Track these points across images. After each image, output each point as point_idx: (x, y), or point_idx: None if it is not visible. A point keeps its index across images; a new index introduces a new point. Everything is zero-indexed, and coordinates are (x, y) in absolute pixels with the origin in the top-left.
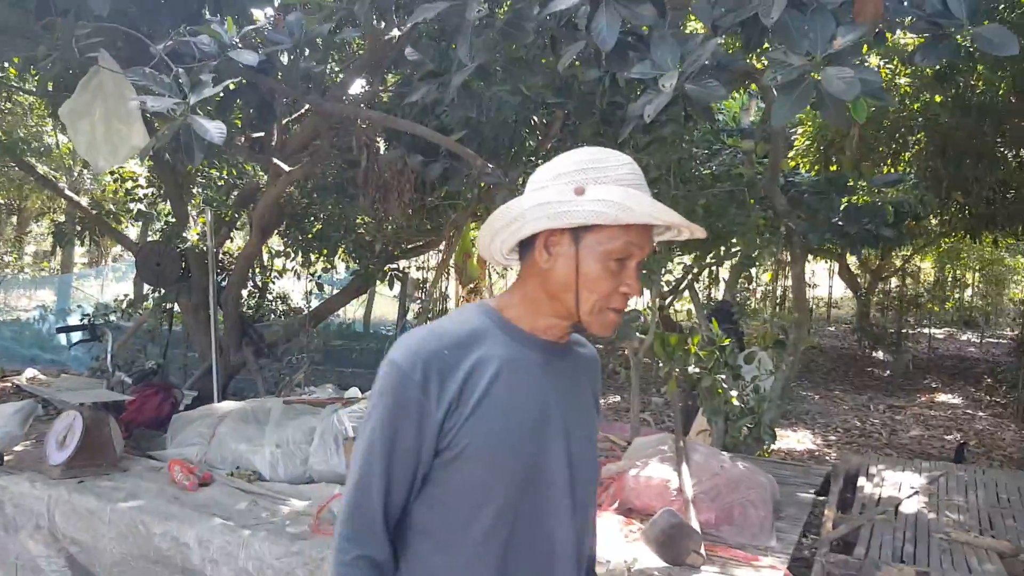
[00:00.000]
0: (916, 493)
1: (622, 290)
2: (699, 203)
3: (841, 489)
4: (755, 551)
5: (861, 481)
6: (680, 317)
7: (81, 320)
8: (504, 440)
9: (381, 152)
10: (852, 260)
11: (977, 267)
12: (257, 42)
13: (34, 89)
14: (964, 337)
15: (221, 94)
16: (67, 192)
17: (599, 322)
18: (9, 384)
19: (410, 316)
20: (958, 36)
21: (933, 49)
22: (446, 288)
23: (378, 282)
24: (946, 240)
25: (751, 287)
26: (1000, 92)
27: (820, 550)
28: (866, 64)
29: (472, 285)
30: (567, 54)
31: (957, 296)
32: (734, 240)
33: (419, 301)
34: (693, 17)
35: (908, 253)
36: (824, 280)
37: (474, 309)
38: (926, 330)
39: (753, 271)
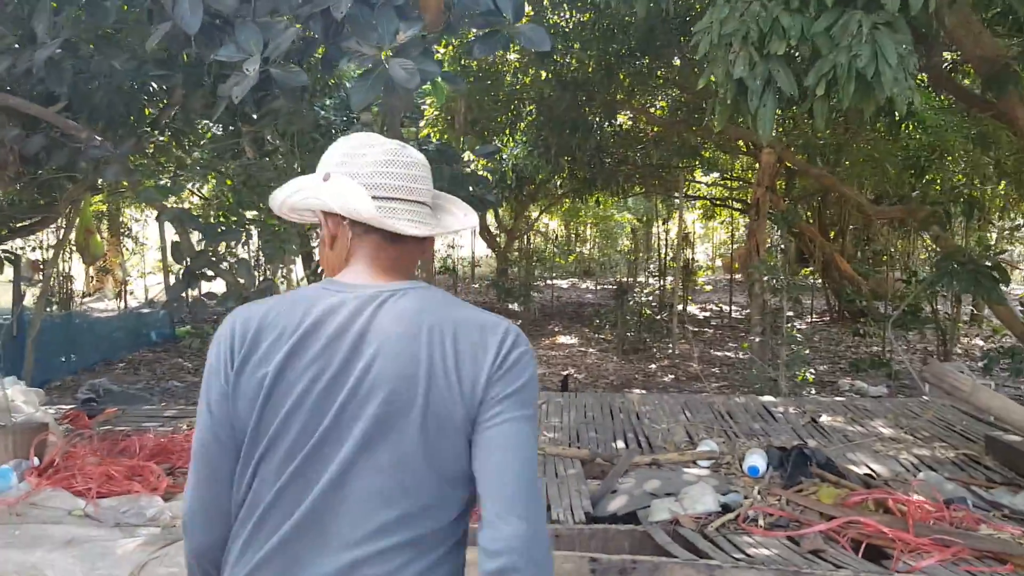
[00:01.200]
0: None
1: None
2: None
3: None
4: None
5: None
6: None
7: None
8: None
9: None
10: (491, 221)
11: (592, 223)
12: None
13: None
14: (584, 285)
15: None
16: None
17: None
18: None
19: (28, 301)
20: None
21: (488, 42)
22: (69, 268)
23: None
24: (567, 200)
25: None
26: (589, 69)
27: None
28: (430, 55)
29: (100, 263)
30: (154, 35)
31: (578, 250)
32: None
33: (38, 284)
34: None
35: (537, 213)
36: (468, 241)
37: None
38: (554, 281)
39: None
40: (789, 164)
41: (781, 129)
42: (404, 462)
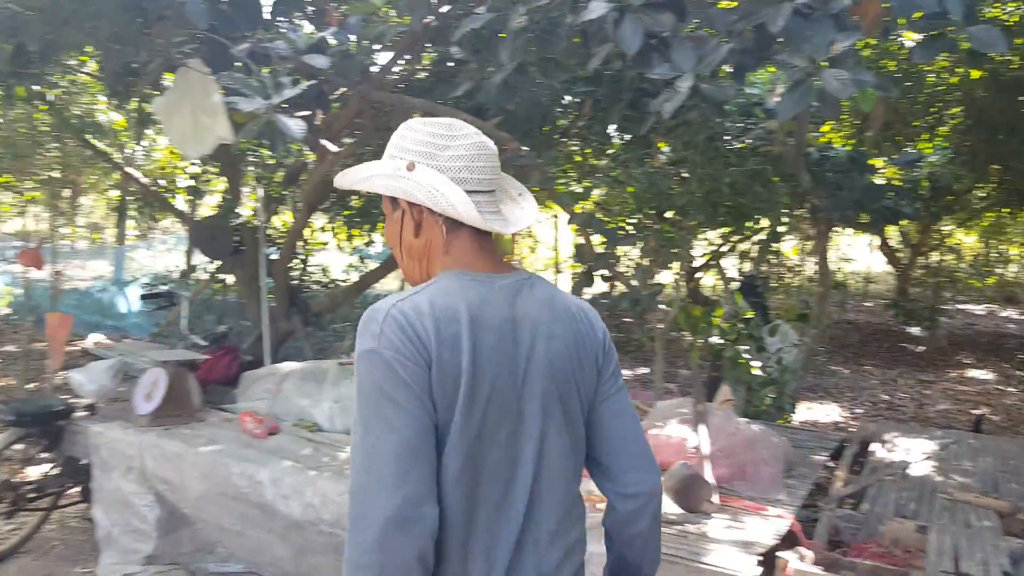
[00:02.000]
0: (926, 458)
1: None
2: (724, 181)
3: (855, 454)
4: (765, 502)
5: (874, 447)
6: (710, 291)
7: (155, 289)
8: None
9: None
10: (893, 234)
11: (1021, 242)
12: (323, 43)
13: (92, 72)
14: (1004, 313)
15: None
16: (128, 169)
17: None
18: (78, 348)
19: None
20: (954, 36)
21: (930, 47)
22: None
23: None
24: (989, 215)
25: (778, 261)
26: None
27: (828, 505)
28: (862, 64)
29: (505, 258)
30: (596, 56)
31: (999, 272)
32: (760, 216)
33: None
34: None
35: (950, 228)
36: (863, 254)
37: None
38: (966, 306)
39: (779, 246)
40: None
41: None
42: (576, 438)
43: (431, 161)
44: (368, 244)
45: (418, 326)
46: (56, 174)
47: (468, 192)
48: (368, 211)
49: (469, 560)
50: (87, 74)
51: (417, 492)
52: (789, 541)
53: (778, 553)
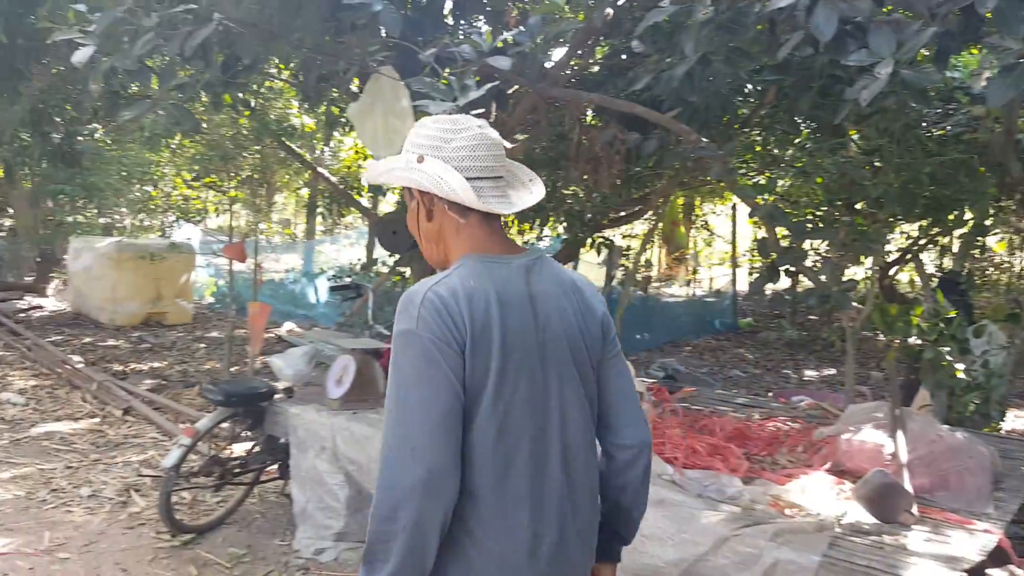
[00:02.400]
0: None
1: None
2: (924, 170)
3: None
4: (970, 516)
5: None
6: (907, 288)
7: (343, 281)
8: None
9: (588, 125)
10: None
11: None
12: (504, 44)
13: (287, 78)
14: None
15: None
16: (319, 170)
17: None
18: (273, 335)
19: (614, 282)
20: None
21: None
22: (651, 255)
23: (583, 249)
24: None
25: (984, 257)
26: None
27: None
28: None
29: (677, 253)
30: (786, 44)
31: None
32: (964, 208)
33: (622, 268)
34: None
35: None
36: None
37: None
38: None
39: (985, 240)
40: None
41: None
42: (591, 398)
43: (438, 153)
44: (539, 239)
45: (453, 309)
46: (255, 174)
47: (473, 178)
48: (539, 205)
49: (518, 517)
50: (284, 81)
51: (445, 464)
52: (998, 559)
53: (986, 571)
